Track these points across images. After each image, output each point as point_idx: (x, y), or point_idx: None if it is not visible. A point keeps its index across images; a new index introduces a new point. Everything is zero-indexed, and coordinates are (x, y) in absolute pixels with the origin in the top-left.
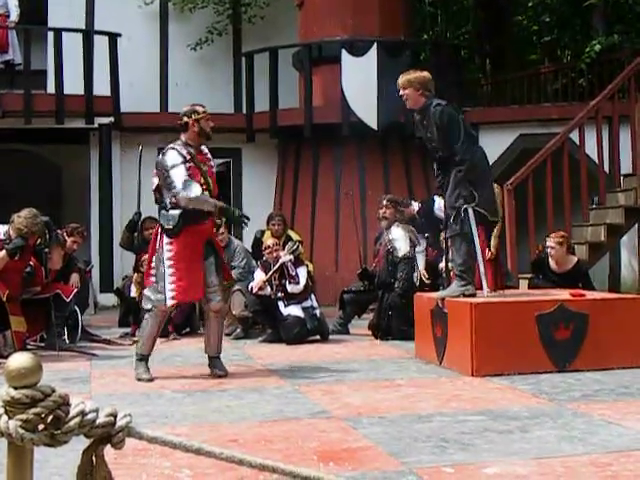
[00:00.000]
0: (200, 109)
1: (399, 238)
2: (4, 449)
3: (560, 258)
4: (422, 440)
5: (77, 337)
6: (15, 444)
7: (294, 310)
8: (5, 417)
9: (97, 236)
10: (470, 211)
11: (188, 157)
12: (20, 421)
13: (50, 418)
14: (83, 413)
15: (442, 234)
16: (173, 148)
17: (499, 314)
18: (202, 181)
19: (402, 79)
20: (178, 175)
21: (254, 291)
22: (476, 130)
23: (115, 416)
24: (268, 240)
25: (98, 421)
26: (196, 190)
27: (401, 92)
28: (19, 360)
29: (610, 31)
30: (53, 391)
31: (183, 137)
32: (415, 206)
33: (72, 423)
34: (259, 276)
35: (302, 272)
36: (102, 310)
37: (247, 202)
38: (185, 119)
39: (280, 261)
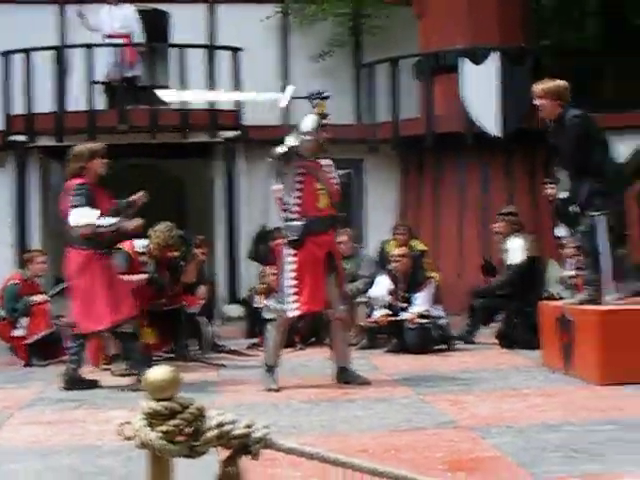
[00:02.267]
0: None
1: (516, 248)
2: (136, 457)
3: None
4: (551, 450)
5: (205, 348)
6: (156, 455)
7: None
8: (146, 429)
9: (223, 249)
10: (599, 219)
11: (300, 169)
12: (161, 432)
13: (189, 429)
14: (221, 425)
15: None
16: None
17: (627, 321)
18: (319, 187)
19: (538, 88)
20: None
21: (371, 321)
22: None
23: (252, 427)
24: (396, 249)
25: (236, 432)
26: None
27: (536, 101)
28: (158, 373)
29: None
30: (191, 403)
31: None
32: None
33: (210, 434)
34: (383, 282)
35: (426, 296)
36: (228, 321)
37: (369, 212)
38: None
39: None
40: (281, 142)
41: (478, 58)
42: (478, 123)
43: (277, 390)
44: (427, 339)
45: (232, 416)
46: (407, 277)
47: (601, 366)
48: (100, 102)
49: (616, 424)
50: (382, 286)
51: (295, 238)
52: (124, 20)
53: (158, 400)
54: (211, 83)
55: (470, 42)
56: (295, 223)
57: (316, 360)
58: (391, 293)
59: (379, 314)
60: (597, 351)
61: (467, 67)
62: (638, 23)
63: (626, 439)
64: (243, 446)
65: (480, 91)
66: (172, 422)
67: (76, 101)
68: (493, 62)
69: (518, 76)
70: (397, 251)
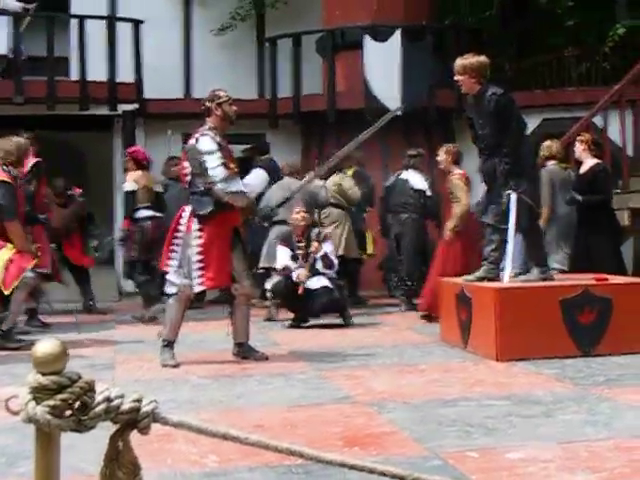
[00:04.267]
0: (222, 93)
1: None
2: (31, 435)
3: (580, 155)
4: (447, 425)
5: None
6: (42, 430)
7: (321, 281)
8: (33, 403)
9: (121, 222)
10: (514, 197)
11: (220, 145)
12: (47, 407)
13: (77, 404)
14: (109, 399)
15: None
16: (206, 134)
17: (523, 299)
18: (233, 166)
19: (458, 64)
20: (216, 163)
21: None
22: None
23: (141, 402)
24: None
25: (124, 407)
26: (237, 186)
27: (456, 77)
28: (45, 346)
29: (634, 14)
30: (79, 377)
31: (209, 123)
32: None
33: (98, 409)
34: (282, 251)
35: (329, 247)
36: (127, 297)
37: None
38: (208, 104)
39: (319, 255)
40: (181, 116)
41: (381, 35)
42: (380, 100)
43: (175, 366)
44: (331, 299)
45: (120, 391)
46: (305, 235)
47: (498, 342)
48: None
49: (510, 399)
50: (283, 255)
51: (207, 212)
52: None
53: (45, 374)
54: (112, 55)
55: (373, 19)
56: (205, 198)
57: (215, 335)
58: (293, 258)
59: (296, 274)
60: (494, 328)
61: (370, 44)
62: (541, 2)
63: (519, 414)
64: (132, 421)
65: (382, 69)
66: (59, 396)
67: None
68: (396, 40)
69: (418, 54)
70: (298, 215)
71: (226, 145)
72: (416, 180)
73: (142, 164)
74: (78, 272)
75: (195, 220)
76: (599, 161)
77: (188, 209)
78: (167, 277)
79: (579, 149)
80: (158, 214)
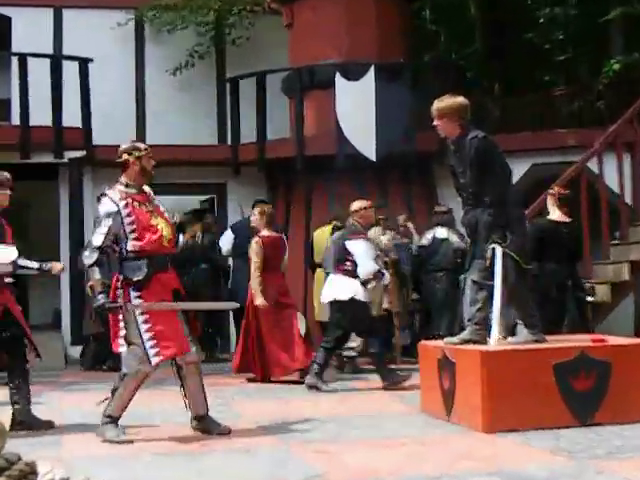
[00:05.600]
0: (142, 146)
1: None
2: None
3: (549, 207)
4: None
5: None
6: None
7: None
8: None
9: (67, 278)
10: (499, 252)
11: (126, 202)
12: None
13: None
14: None
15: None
16: (106, 195)
17: (512, 363)
18: (153, 222)
19: (435, 107)
20: (97, 232)
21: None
22: None
23: None
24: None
25: None
26: (90, 259)
27: (435, 122)
28: None
29: (630, 49)
30: (19, 458)
31: (123, 178)
32: None
33: None
34: (364, 249)
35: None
36: (73, 364)
37: None
38: (125, 156)
39: None
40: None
41: (354, 74)
42: (353, 145)
43: (124, 442)
44: None
45: (64, 472)
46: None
47: (484, 412)
48: None
49: (499, 475)
50: (367, 255)
51: (140, 278)
52: None
53: None
54: (57, 97)
55: (345, 56)
56: (137, 262)
57: (170, 408)
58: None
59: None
60: (480, 395)
61: (341, 83)
62: (524, 37)
63: None
64: None
65: (355, 110)
66: None
67: None
68: (370, 78)
69: (394, 94)
70: (357, 203)
71: (141, 199)
72: (455, 239)
73: None
74: None
75: (131, 289)
76: (557, 217)
77: (121, 277)
78: (123, 356)
79: (549, 202)
80: None
